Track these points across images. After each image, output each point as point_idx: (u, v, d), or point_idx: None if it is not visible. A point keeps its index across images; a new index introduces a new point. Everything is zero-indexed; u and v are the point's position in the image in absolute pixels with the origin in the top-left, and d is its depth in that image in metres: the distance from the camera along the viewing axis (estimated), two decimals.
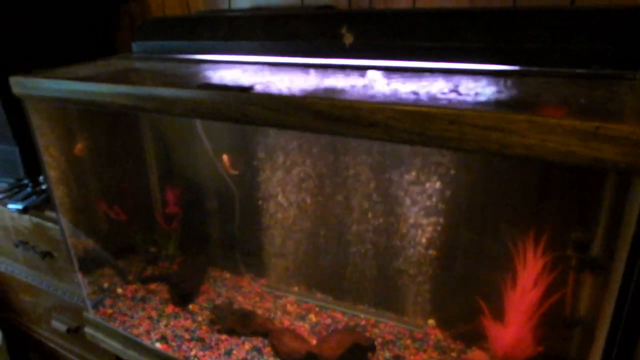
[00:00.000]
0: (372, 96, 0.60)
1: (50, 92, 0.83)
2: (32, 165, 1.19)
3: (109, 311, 1.09)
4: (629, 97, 0.54)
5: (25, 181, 1.30)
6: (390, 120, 0.51)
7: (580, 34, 0.65)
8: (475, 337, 0.92)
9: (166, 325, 1.04)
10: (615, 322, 0.55)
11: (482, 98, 0.55)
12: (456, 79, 0.67)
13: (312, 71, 0.79)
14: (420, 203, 0.91)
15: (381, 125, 0.52)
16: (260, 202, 1.10)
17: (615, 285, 0.53)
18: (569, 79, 0.62)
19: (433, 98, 0.57)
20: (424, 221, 0.92)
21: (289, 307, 1.07)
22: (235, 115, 0.62)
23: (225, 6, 1.21)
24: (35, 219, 1.22)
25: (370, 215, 0.97)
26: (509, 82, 0.63)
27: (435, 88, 0.62)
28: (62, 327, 1.32)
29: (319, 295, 1.09)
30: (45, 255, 1.24)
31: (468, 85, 0.63)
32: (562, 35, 0.66)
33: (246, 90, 0.62)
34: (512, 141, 0.46)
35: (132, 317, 1.07)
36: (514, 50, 0.68)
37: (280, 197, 1.07)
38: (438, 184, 0.88)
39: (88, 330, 1.10)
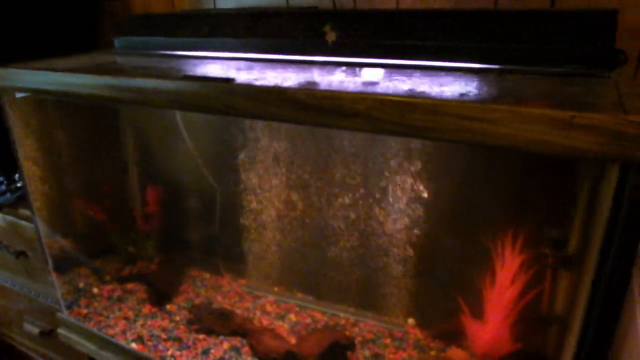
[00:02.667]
0: (353, 88, 0.60)
1: (27, 84, 0.82)
2: (7, 162, 1.16)
3: (84, 311, 1.07)
4: (603, 92, 0.55)
5: (0, 178, 1.27)
6: (372, 110, 0.51)
7: (559, 35, 0.66)
8: (454, 336, 0.93)
9: (143, 325, 1.02)
10: (588, 317, 0.56)
11: (462, 92, 0.56)
12: (436, 75, 0.68)
13: (294, 67, 0.79)
14: (397, 201, 0.91)
15: (362, 116, 0.52)
16: (240, 202, 1.09)
17: (587, 278, 0.54)
18: (547, 77, 0.64)
19: (413, 91, 0.57)
20: (402, 220, 0.92)
21: (269, 307, 1.06)
22: (216, 106, 0.62)
23: (210, 6, 1.21)
24: (9, 217, 1.19)
25: (349, 215, 0.97)
26: (489, 79, 0.64)
27: (415, 83, 0.62)
28: (35, 330, 1.29)
29: (299, 295, 1.09)
30: (19, 254, 1.21)
31: (448, 81, 0.63)
32: (542, 36, 0.67)
33: (228, 81, 0.62)
34: (493, 131, 0.46)
35: (107, 317, 1.04)
36: (493, 50, 0.69)
37: (260, 197, 1.06)
38: (415, 184, 0.89)
39: (61, 331, 1.07)
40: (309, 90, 0.55)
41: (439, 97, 0.51)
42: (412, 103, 0.49)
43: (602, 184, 0.50)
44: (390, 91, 0.57)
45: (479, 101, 0.48)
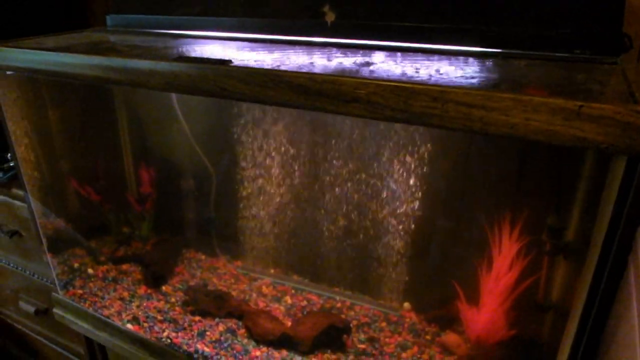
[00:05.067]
0: (354, 72, 0.59)
1: (17, 62, 0.79)
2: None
3: (79, 292, 1.06)
4: (610, 79, 0.54)
5: None
6: (373, 95, 0.50)
7: (564, 19, 0.64)
8: (449, 320, 0.93)
9: (138, 306, 1.01)
10: (589, 304, 0.56)
11: (464, 77, 0.54)
12: (438, 59, 0.66)
13: (292, 48, 0.77)
14: (395, 185, 0.90)
15: (363, 101, 0.51)
16: (236, 183, 1.08)
17: (590, 268, 0.54)
18: (552, 63, 0.62)
19: (414, 76, 0.56)
20: (399, 204, 0.91)
21: (265, 289, 1.05)
22: (212, 89, 0.60)
23: None
24: (2, 197, 1.18)
25: (346, 198, 0.96)
26: (492, 64, 0.62)
27: (416, 67, 0.61)
28: (30, 309, 1.29)
29: (295, 277, 1.09)
30: (13, 234, 1.20)
31: (450, 65, 0.62)
32: (546, 20, 0.65)
33: (224, 63, 0.60)
34: (496, 119, 0.45)
35: (102, 298, 1.04)
36: (498, 33, 0.67)
37: (257, 179, 1.05)
38: (412, 167, 0.88)
39: (57, 311, 1.07)
40: (308, 74, 0.53)
41: (443, 83, 0.49)
42: (415, 89, 0.48)
43: (608, 176, 0.49)
44: (390, 75, 0.55)
45: (483, 89, 0.47)
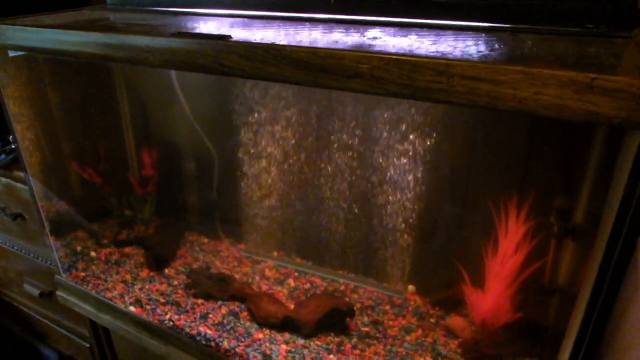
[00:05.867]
0: (357, 47, 0.57)
1: (14, 40, 0.78)
2: (2, 123, 1.13)
3: (82, 274, 1.06)
4: (624, 53, 0.52)
5: None
6: (376, 70, 0.48)
7: None
8: (454, 304, 0.92)
9: (141, 289, 1.01)
10: (597, 289, 0.54)
11: (471, 51, 0.52)
12: (444, 34, 0.64)
13: (292, 25, 0.75)
14: (398, 164, 0.89)
15: (366, 76, 0.49)
16: (239, 164, 1.07)
17: (599, 250, 0.52)
18: (563, 37, 0.60)
19: (419, 51, 0.54)
20: (404, 184, 0.90)
21: (268, 272, 1.05)
22: (210, 65, 0.58)
23: None
24: (4, 180, 1.17)
25: (350, 179, 0.95)
26: (500, 39, 0.60)
27: (422, 43, 0.59)
28: (35, 291, 1.29)
29: (298, 260, 1.08)
30: (16, 217, 1.20)
31: (456, 40, 0.60)
32: None
33: (223, 38, 0.58)
34: (503, 94, 0.43)
35: (105, 281, 1.04)
36: (505, 7, 0.65)
37: (260, 160, 1.04)
38: (416, 147, 0.86)
39: (60, 293, 1.07)
40: (309, 48, 0.52)
41: (448, 56, 0.48)
42: (420, 63, 0.46)
43: (620, 153, 0.47)
44: (395, 51, 0.53)
45: (491, 62, 0.45)
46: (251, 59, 0.55)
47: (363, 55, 0.49)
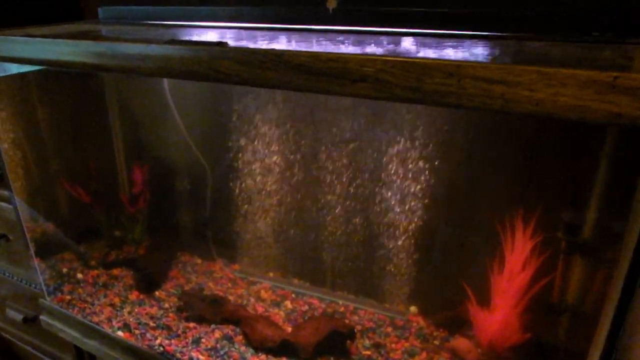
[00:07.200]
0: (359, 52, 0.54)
1: (2, 52, 0.75)
2: None
3: (68, 297, 1.01)
4: (639, 56, 0.50)
5: None
6: (382, 73, 0.46)
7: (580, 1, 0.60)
8: (459, 324, 0.88)
9: (130, 313, 0.96)
10: (621, 310, 0.51)
11: (481, 57, 0.50)
12: (450, 44, 0.62)
13: (292, 36, 0.73)
14: (399, 180, 0.86)
15: (371, 80, 0.46)
16: (233, 182, 1.03)
17: (622, 268, 0.49)
18: (572, 44, 0.58)
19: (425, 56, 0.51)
20: (405, 200, 0.87)
21: (264, 294, 1.01)
22: (206, 72, 0.55)
23: None
24: None
25: (348, 197, 0.92)
26: (508, 45, 0.58)
27: (427, 52, 0.57)
28: (18, 317, 1.23)
29: (295, 281, 1.04)
30: (0, 238, 1.15)
31: (463, 49, 0.58)
32: (562, 1, 0.61)
33: (219, 45, 0.56)
34: (519, 96, 0.41)
35: (92, 304, 0.99)
36: (510, 17, 0.63)
37: (255, 178, 1.01)
38: (415, 161, 0.84)
39: (44, 318, 1.02)
40: (310, 52, 0.49)
41: (459, 58, 0.45)
42: (428, 64, 0.44)
43: None
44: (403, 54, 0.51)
45: (505, 62, 0.43)
46: (248, 64, 0.53)
47: (368, 58, 0.46)
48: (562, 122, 0.40)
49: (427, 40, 0.64)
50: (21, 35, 0.75)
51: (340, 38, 0.67)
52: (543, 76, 0.40)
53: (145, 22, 0.93)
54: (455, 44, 0.60)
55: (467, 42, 0.61)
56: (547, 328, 0.80)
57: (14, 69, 0.93)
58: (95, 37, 0.71)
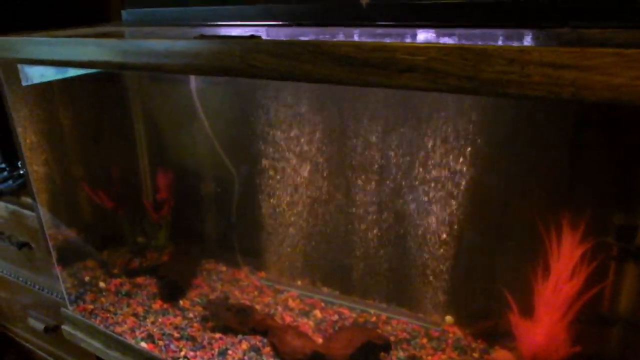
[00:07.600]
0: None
1: (27, 54, 0.73)
2: (10, 148, 1.08)
3: (90, 307, 0.99)
4: None
5: (2, 165, 1.19)
6: (433, 62, 0.42)
7: None
8: (499, 335, 0.83)
9: (153, 323, 0.93)
10: None
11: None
12: (501, 34, 0.58)
13: (325, 33, 0.70)
14: (434, 182, 0.82)
15: (421, 70, 0.42)
16: (260, 188, 1.00)
17: None
18: (633, 30, 0.53)
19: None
20: (441, 202, 0.83)
21: (291, 302, 0.97)
22: (238, 67, 0.52)
23: None
24: (11, 207, 1.11)
25: (380, 202, 0.88)
26: (566, 34, 0.54)
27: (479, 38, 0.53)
28: (40, 326, 1.21)
29: (324, 289, 1.00)
30: (22, 246, 1.14)
31: (517, 38, 0.54)
32: None
33: (253, 38, 0.53)
34: (593, 81, 0.37)
35: (115, 314, 0.96)
36: (560, 6, 0.59)
37: (282, 182, 0.97)
38: (454, 159, 0.79)
39: (66, 327, 0.99)
40: (353, 42, 0.46)
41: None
42: (488, 51, 0.40)
43: None
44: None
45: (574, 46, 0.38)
46: (284, 57, 0.49)
47: (418, 46, 0.42)
48: (615, 114, 0.36)
49: (473, 32, 0.60)
50: (43, 35, 0.73)
51: (380, 32, 0.64)
52: (622, 58, 0.36)
53: (170, 24, 0.90)
54: (505, 35, 0.56)
55: (517, 33, 0.57)
56: (598, 340, 0.75)
57: (47, 76, 0.91)
58: (119, 34, 0.69)
